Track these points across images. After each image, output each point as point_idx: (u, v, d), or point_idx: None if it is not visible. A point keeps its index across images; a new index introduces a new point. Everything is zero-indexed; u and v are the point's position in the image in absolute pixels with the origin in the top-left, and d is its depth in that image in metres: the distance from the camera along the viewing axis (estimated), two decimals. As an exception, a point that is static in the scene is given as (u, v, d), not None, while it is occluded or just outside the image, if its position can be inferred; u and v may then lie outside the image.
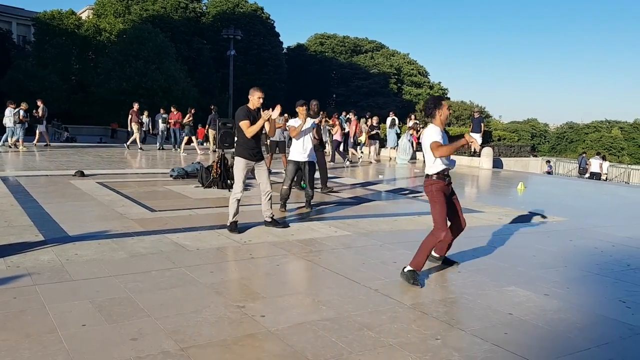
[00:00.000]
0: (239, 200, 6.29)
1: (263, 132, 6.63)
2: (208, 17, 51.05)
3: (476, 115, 21.01)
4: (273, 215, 6.66)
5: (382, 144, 21.78)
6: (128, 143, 20.45)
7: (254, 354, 3.08)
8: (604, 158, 23.51)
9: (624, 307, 4.21)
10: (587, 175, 22.07)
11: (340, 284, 4.50)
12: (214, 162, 10.07)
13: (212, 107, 19.68)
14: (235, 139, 6.57)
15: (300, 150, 7.78)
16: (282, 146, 12.97)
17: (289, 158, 7.89)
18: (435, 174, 4.66)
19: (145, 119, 22.39)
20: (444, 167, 4.66)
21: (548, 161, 25.42)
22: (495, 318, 3.97)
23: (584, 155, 25.66)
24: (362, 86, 56.51)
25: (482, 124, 20.66)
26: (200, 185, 9.89)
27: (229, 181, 9.73)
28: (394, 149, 20.19)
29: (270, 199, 6.57)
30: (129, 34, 40.44)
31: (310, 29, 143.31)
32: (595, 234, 7.05)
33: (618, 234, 7.12)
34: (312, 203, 8.09)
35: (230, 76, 40.24)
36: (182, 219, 6.93)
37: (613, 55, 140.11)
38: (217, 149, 11.38)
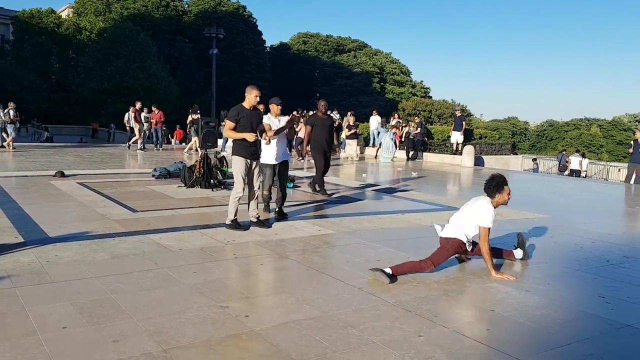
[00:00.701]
0: (239, 199, 6.30)
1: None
2: (190, 16, 50.71)
3: (458, 113, 21.21)
4: (259, 216, 6.64)
5: (366, 142, 21.87)
6: (130, 143, 20.00)
7: (237, 354, 3.07)
8: (583, 155, 23.83)
9: (604, 303, 4.27)
10: (567, 172, 22.37)
11: (324, 283, 4.50)
12: (196, 161, 10.01)
13: (194, 106, 19.56)
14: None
15: (275, 151, 7.26)
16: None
17: (264, 161, 7.15)
18: (464, 241, 4.92)
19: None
20: (469, 236, 4.93)
21: (535, 159, 25.69)
22: (478, 314, 4.02)
23: (563, 152, 26.02)
24: (346, 85, 56.61)
25: (464, 123, 20.85)
26: (183, 185, 9.83)
27: (212, 181, 9.69)
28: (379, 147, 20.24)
29: (257, 198, 6.55)
30: (109, 33, 40.01)
31: (293, 28, 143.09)
32: (575, 231, 7.15)
33: (597, 231, 7.23)
34: (285, 204, 7.55)
35: (212, 75, 40.01)
36: (165, 219, 6.88)
37: (592, 54, 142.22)
38: (200, 149, 11.33)
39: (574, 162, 22.32)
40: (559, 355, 3.25)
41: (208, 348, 3.13)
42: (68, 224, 6.36)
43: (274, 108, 7.28)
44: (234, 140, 6.49)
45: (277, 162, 7.30)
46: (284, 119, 7.34)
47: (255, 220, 6.57)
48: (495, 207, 4.89)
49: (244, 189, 6.35)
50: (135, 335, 3.26)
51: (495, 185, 4.93)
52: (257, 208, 6.59)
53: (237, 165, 6.34)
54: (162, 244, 5.52)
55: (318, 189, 9.56)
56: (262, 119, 6.77)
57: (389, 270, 4.56)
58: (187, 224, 6.58)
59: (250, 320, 3.57)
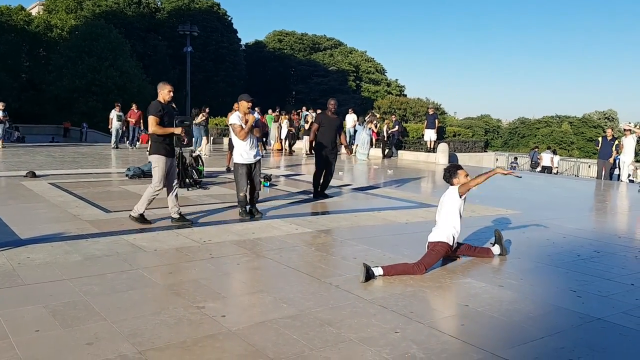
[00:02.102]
0: (154, 198, 6.41)
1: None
2: (163, 13, 50.16)
3: (430, 111, 21.39)
4: (180, 212, 6.58)
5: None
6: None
7: (214, 354, 3.06)
8: (554, 152, 24.29)
9: (575, 297, 4.37)
10: (539, 169, 22.76)
11: (301, 281, 4.51)
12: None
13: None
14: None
15: (248, 150, 7.10)
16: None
17: (237, 162, 7.11)
18: (450, 244, 5.02)
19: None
20: (455, 235, 5.05)
21: (515, 158, 25.99)
22: (452, 310, 4.08)
23: (535, 149, 26.46)
24: (321, 83, 56.70)
25: (437, 120, 21.05)
26: (158, 184, 9.70)
27: (187, 180, 9.60)
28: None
29: (176, 195, 6.57)
30: (81, 30, 39.34)
31: (268, 26, 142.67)
32: (547, 226, 7.29)
33: (568, 226, 7.39)
34: (260, 203, 7.56)
35: (187, 73, 39.60)
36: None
37: (562, 52, 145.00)
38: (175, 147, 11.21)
39: (546, 158, 22.73)
40: (532, 349, 3.31)
41: (184, 349, 3.10)
42: (40, 225, 6.24)
43: (244, 105, 7.10)
44: (153, 139, 6.47)
45: (254, 161, 7.15)
46: (255, 117, 7.31)
47: (177, 216, 6.51)
48: (462, 192, 5.08)
49: (161, 188, 6.38)
50: (110, 338, 3.21)
51: (449, 174, 5.28)
52: (178, 203, 6.57)
53: (157, 164, 6.34)
54: (137, 245, 5.45)
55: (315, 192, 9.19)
56: (175, 114, 6.74)
57: (380, 271, 4.61)
58: (162, 224, 6.51)
59: (227, 320, 3.55)
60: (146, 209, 6.47)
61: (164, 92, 6.39)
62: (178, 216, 6.50)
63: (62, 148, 20.04)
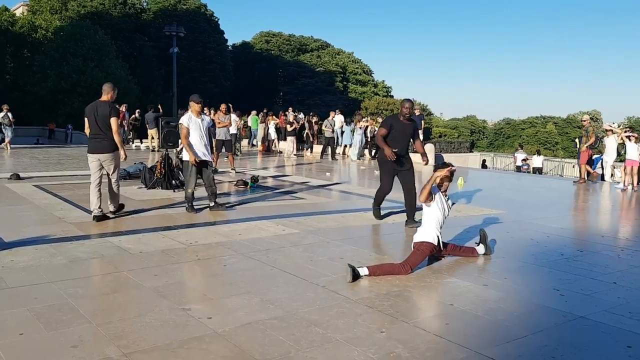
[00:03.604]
0: (97, 189, 6.82)
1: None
2: (149, 14, 49.87)
3: (417, 112, 21.44)
4: (115, 209, 7.01)
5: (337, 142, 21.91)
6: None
7: (200, 356, 3.06)
8: (538, 153, 24.61)
9: (558, 295, 4.42)
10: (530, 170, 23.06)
11: (288, 282, 4.52)
12: (157, 162, 9.85)
13: (149, 106, 19.32)
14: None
15: (198, 149, 7.31)
16: (229, 145, 12.92)
17: (186, 159, 7.34)
18: (432, 243, 5.02)
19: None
20: (439, 235, 5.06)
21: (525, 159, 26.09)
22: (437, 309, 4.11)
23: (519, 149, 26.71)
24: (309, 84, 56.75)
25: (423, 121, 21.13)
26: (144, 186, 9.67)
27: (173, 181, 9.56)
28: (349, 146, 20.24)
29: (115, 192, 6.94)
30: (66, 31, 38.95)
31: (255, 27, 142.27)
32: (531, 226, 7.37)
33: (552, 225, 7.47)
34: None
35: (173, 74, 39.45)
36: (124, 221, 6.76)
37: (548, 53, 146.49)
38: (161, 148, 11.17)
39: (519, 159, 23.21)
40: (516, 347, 3.35)
41: (170, 351, 3.10)
42: (24, 228, 6.18)
43: (194, 106, 7.31)
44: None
45: (203, 159, 7.35)
46: (208, 118, 7.56)
47: (113, 209, 6.96)
48: (422, 201, 5.06)
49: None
50: (95, 340, 3.20)
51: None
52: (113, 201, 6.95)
53: (89, 163, 6.81)
54: (122, 247, 5.42)
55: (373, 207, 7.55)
56: (111, 112, 6.74)
57: (365, 272, 4.63)
58: (147, 226, 6.48)
59: (213, 322, 3.55)
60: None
61: (114, 93, 6.82)
62: (113, 209, 7.00)
63: (46, 150, 19.86)
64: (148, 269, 4.73)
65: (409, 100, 7.04)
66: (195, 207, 7.48)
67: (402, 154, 6.95)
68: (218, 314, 3.71)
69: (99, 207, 6.70)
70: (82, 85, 35.92)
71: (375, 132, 20.26)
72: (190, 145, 7.23)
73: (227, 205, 7.89)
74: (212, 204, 7.59)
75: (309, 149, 21.34)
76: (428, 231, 5.05)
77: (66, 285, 4.20)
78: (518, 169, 22.71)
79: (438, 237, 5.05)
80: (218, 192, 7.84)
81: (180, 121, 7.37)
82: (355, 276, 4.56)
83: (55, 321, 3.47)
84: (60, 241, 5.57)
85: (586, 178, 14.40)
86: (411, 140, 7.25)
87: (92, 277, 4.45)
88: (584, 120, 15.46)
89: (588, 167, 14.68)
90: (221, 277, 4.70)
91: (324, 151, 19.49)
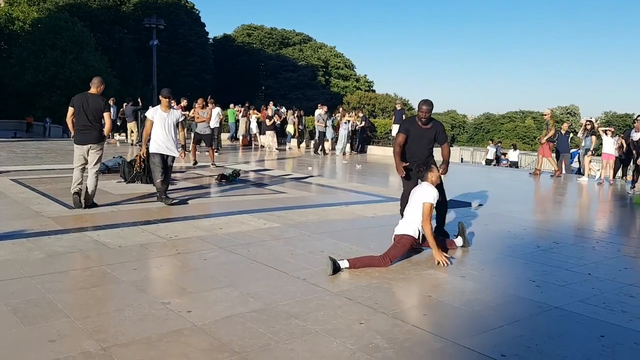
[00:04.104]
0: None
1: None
2: (129, 6, 49.04)
3: (398, 107, 21.54)
4: (90, 203, 7.04)
5: (312, 136, 21.93)
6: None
7: (179, 349, 3.06)
8: (514, 147, 24.97)
9: (534, 286, 4.51)
10: (507, 164, 23.35)
11: (268, 276, 4.53)
12: (136, 155, 9.76)
13: (127, 99, 19.12)
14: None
15: (163, 141, 7.43)
16: (208, 139, 12.82)
17: (151, 150, 7.47)
18: (412, 236, 5.08)
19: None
20: (420, 228, 5.11)
21: (504, 154, 26.35)
22: (416, 300, 4.17)
23: (498, 144, 26.99)
24: (291, 78, 56.51)
25: (404, 116, 21.23)
26: (123, 180, 9.58)
27: (153, 175, 9.48)
28: (334, 140, 20.21)
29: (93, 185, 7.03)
30: (44, 23, 38.13)
31: (237, 20, 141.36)
32: (508, 218, 7.48)
33: (528, 218, 7.60)
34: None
35: (153, 67, 39.00)
36: (103, 215, 6.70)
37: (526, 49, 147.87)
38: (139, 142, 11.07)
39: (491, 153, 23.61)
40: (492, 337, 3.42)
41: (149, 345, 3.10)
42: (1, 222, 6.09)
43: (162, 100, 7.47)
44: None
45: (167, 152, 7.45)
46: (177, 113, 7.61)
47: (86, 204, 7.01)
48: (434, 186, 5.28)
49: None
50: (73, 335, 3.18)
51: (425, 169, 5.42)
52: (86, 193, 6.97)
53: (75, 154, 6.98)
54: (101, 241, 5.38)
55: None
56: (105, 106, 6.97)
57: (346, 264, 4.67)
58: (127, 220, 6.44)
59: (193, 316, 3.55)
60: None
61: (102, 87, 6.98)
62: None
63: (24, 143, 19.51)
64: (127, 264, 4.70)
65: (426, 101, 5.95)
66: (175, 198, 7.46)
67: (423, 158, 6.02)
68: (198, 308, 3.71)
69: (79, 184, 6.89)
70: (60, 78, 35.30)
71: (357, 127, 20.53)
72: (147, 138, 7.46)
73: (174, 200, 7.66)
74: (163, 196, 7.58)
75: (299, 144, 21.38)
76: (409, 225, 5.11)
77: (44, 279, 4.16)
78: (488, 162, 23.10)
79: (419, 230, 5.11)
80: (198, 185, 7.84)
81: (146, 114, 7.61)
82: (336, 269, 4.59)
83: (33, 316, 3.45)
84: (38, 235, 5.51)
85: (552, 173, 14.79)
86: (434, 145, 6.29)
87: (70, 271, 4.41)
88: (545, 114, 15.86)
89: (552, 161, 15.11)
90: (201, 271, 4.69)
91: (318, 146, 19.33)
